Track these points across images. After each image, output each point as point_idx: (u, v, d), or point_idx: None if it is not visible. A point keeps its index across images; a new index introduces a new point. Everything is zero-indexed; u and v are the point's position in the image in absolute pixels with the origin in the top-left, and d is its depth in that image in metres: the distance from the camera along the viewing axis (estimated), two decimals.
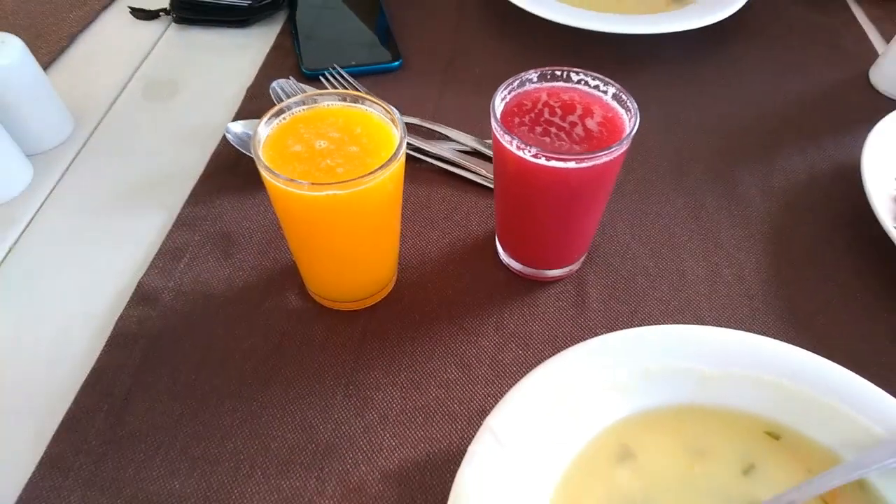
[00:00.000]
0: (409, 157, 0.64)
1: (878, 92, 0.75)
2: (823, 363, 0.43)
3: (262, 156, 0.45)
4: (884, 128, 0.62)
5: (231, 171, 0.64)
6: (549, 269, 0.55)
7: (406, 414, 0.48)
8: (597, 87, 0.51)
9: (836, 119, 0.71)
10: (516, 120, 0.49)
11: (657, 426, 0.42)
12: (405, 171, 0.49)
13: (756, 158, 0.67)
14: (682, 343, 0.44)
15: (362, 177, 0.43)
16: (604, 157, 0.46)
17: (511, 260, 0.56)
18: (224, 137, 0.66)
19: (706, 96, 0.74)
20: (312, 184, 0.43)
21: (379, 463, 0.45)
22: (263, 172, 0.44)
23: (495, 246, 0.58)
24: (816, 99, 0.74)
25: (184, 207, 0.61)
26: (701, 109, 0.72)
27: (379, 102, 0.48)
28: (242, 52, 0.80)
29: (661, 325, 0.45)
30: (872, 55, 0.78)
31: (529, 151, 0.46)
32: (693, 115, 0.72)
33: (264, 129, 0.47)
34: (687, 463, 0.41)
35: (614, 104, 0.50)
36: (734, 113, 0.72)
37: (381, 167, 0.44)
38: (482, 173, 0.64)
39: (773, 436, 0.42)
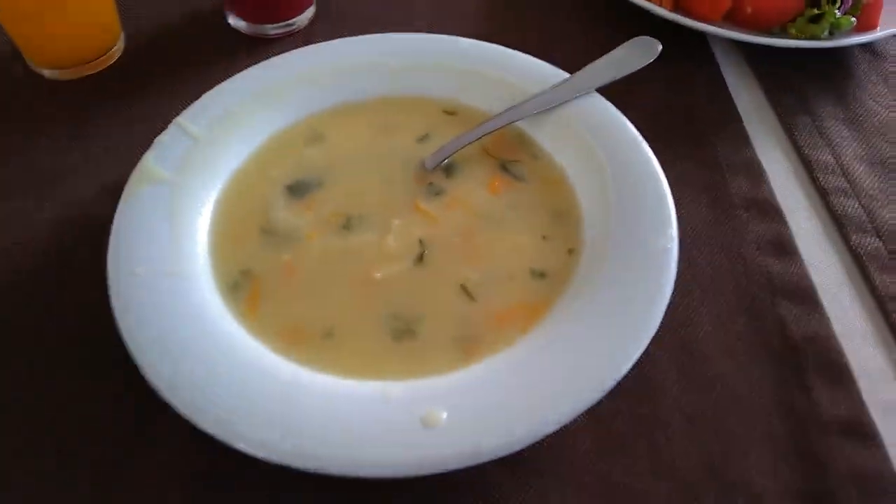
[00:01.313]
0: None
1: None
2: (493, 46, 0.48)
3: None
4: None
5: None
6: (272, 24, 0.57)
7: (131, 147, 0.49)
8: None
9: None
10: None
11: (349, 115, 0.47)
12: None
13: None
14: (374, 44, 0.48)
15: None
16: None
17: (237, 20, 0.58)
18: None
19: None
20: None
21: (99, 180, 0.47)
22: None
23: (224, 14, 0.59)
24: None
25: None
26: None
27: None
28: None
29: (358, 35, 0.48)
30: None
31: None
32: None
33: None
34: (371, 139, 0.46)
35: None
36: None
37: None
38: None
39: (450, 112, 0.47)
